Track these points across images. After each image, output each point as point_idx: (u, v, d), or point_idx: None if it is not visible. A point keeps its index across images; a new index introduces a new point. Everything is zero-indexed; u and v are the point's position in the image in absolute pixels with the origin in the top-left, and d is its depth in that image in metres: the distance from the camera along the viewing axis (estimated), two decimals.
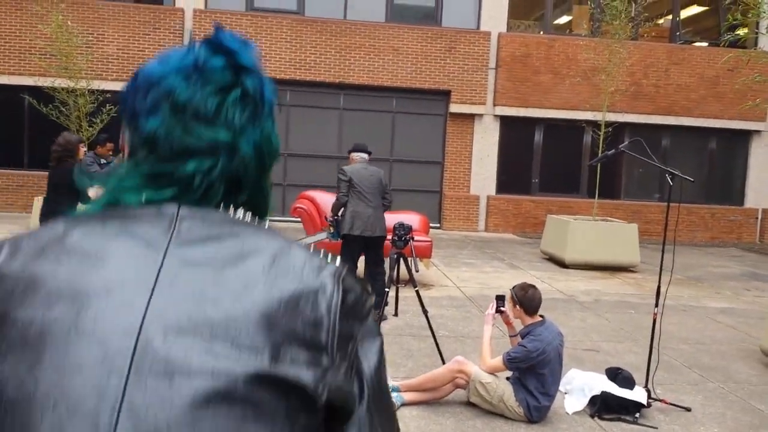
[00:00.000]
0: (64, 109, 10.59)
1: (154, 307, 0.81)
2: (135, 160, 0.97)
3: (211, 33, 0.97)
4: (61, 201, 6.09)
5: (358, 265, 6.64)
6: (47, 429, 0.75)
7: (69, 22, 10.98)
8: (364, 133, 15.32)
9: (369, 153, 7.07)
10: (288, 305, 0.85)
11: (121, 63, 14.39)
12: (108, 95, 11.86)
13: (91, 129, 10.64)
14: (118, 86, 14.13)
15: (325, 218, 7.20)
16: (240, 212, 0.97)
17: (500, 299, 4.67)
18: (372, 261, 6.85)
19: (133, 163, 0.97)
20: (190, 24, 14.53)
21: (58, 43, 10.60)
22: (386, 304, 5.38)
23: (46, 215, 6.27)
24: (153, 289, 0.82)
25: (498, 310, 4.65)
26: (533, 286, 4.61)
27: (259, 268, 0.86)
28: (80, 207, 7.50)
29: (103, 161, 7.61)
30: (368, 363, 0.93)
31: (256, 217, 1.00)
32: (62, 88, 10.58)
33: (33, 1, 13.41)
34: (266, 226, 0.97)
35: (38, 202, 10.03)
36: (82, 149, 7.51)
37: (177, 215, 0.90)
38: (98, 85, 11.45)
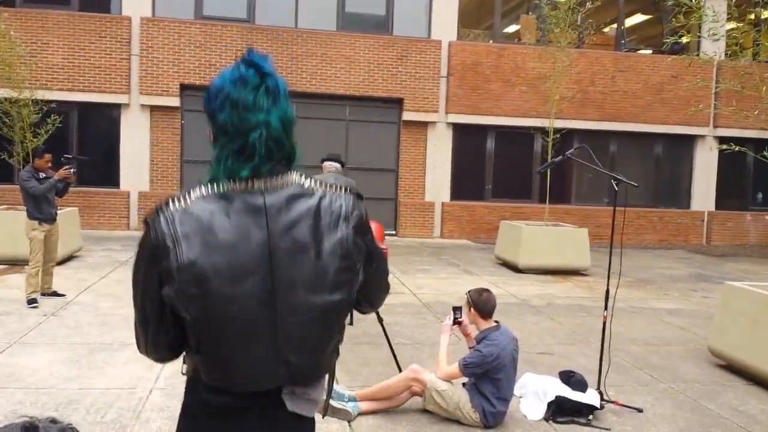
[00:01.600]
0: (7, 120, 10.26)
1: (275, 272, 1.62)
2: (219, 143, 1.65)
3: (246, 53, 1.67)
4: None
5: None
6: (247, 298, 1.61)
7: (12, 32, 10.64)
8: (317, 142, 15.27)
9: (342, 163, 7.27)
10: (334, 239, 1.66)
11: (66, 72, 14.04)
12: (53, 105, 11.56)
13: (35, 140, 10.30)
14: (64, 96, 13.79)
15: None
16: (293, 175, 1.70)
17: (457, 310, 4.69)
18: None
19: (220, 146, 1.65)
20: (138, 32, 14.27)
21: (0, 53, 10.27)
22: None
23: None
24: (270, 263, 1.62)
25: (456, 321, 4.67)
26: (488, 290, 4.65)
27: (308, 226, 1.65)
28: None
29: (41, 175, 7.30)
30: (367, 241, 1.74)
31: (293, 169, 1.72)
32: (5, 99, 10.24)
33: None
34: (303, 181, 1.71)
35: None
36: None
37: (265, 205, 1.62)
38: (42, 95, 11.13)
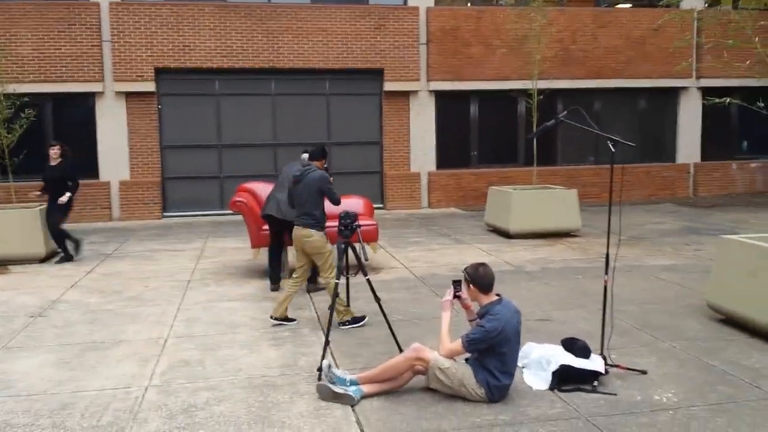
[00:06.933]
0: None
1: None
2: None
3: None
4: None
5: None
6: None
7: None
8: (298, 118, 15.05)
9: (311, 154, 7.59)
10: None
11: (38, 63, 13.66)
12: (26, 99, 11.23)
13: (10, 135, 10.06)
14: (36, 88, 13.44)
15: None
16: None
17: (457, 284, 4.59)
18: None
19: None
20: (107, 17, 13.88)
21: None
22: (337, 294, 5.25)
23: None
24: None
25: (455, 296, 4.57)
26: (484, 264, 4.53)
27: None
28: None
29: None
30: None
31: None
32: None
33: None
34: None
35: None
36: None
37: None
38: (14, 88, 10.82)
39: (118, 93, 14.11)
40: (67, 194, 9.40)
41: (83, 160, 14.17)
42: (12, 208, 9.86)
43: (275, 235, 7.71)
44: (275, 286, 7.60)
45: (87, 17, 13.81)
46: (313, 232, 6.01)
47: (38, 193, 9.57)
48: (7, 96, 10.23)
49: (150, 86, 14.12)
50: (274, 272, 7.67)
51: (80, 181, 14.41)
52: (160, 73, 14.24)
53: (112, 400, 4.46)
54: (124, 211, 14.24)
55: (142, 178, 14.33)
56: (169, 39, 14.08)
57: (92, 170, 14.22)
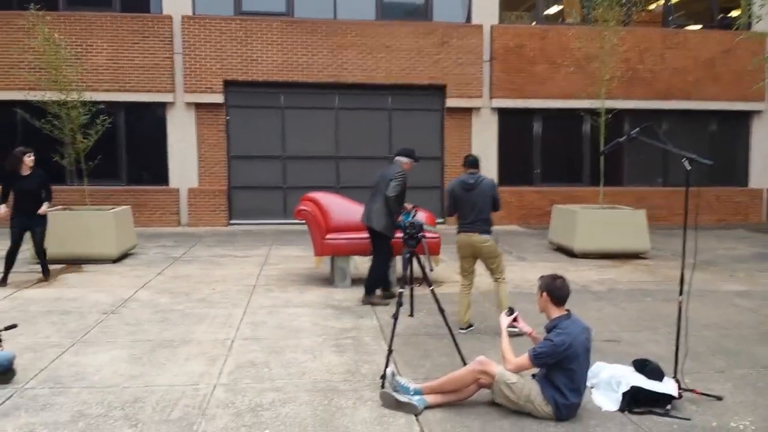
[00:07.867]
0: (57, 123, 10.40)
1: None
2: None
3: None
4: None
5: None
6: None
7: (56, 35, 10.75)
8: (361, 132, 15.18)
9: (406, 155, 7.47)
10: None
11: (112, 73, 14.20)
12: (101, 106, 11.67)
13: (85, 141, 10.45)
14: (110, 96, 13.95)
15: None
16: None
17: (510, 313, 4.73)
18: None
19: None
20: (179, 30, 14.34)
21: (46, 56, 10.40)
22: (401, 304, 5.24)
23: None
24: None
25: (514, 320, 4.69)
26: (562, 277, 4.45)
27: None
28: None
29: None
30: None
31: None
32: (53, 101, 10.38)
33: (19, 15, 13.21)
34: None
35: None
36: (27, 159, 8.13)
37: None
38: (90, 96, 11.25)
39: (188, 104, 14.52)
40: (47, 204, 8.26)
41: (154, 167, 14.70)
42: (86, 209, 10.24)
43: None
44: (387, 292, 7.64)
45: (160, 30, 14.30)
46: (488, 237, 6.29)
47: (4, 210, 8.05)
48: (84, 103, 10.64)
49: (219, 98, 14.49)
50: (386, 281, 7.71)
51: (152, 187, 14.87)
52: (229, 85, 14.61)
53: (181, 396, 4.54)
54: (192, 217, 14.60)
55: (209, 186, 14.69)
56: (238, 52, 14.44)
57: (163, 177, 14.69)
